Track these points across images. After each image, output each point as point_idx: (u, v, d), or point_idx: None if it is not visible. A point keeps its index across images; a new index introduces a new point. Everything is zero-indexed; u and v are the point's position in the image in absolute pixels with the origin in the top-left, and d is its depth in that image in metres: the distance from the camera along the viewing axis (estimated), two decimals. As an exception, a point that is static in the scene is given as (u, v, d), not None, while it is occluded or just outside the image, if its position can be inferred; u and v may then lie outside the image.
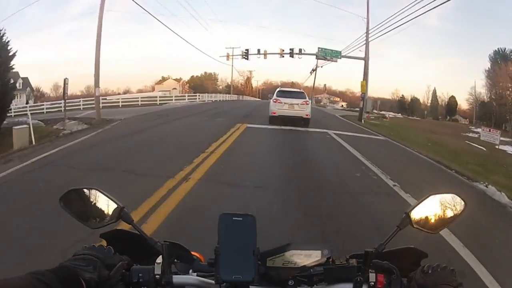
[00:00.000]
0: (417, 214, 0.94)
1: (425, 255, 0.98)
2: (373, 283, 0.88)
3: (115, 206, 0.94)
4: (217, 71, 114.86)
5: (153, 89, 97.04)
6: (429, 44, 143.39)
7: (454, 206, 0.95)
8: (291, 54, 31.65)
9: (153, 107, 29.17)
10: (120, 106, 31.22)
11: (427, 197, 0.95)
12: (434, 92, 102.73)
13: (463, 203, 0.96)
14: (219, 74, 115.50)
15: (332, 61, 29.75)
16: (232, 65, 60.41)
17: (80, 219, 0.95)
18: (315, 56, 31.15)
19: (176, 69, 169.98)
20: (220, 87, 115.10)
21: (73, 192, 0.96)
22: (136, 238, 0.94)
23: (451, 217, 0.95)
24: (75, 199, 0.96)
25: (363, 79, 26.09)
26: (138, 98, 36.74)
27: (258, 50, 34.41)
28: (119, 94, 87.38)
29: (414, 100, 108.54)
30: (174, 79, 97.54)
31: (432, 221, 0.95)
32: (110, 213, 0.95)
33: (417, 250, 0.98)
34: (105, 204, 0.95)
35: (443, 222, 0.96)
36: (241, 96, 72.36)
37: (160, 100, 35.82)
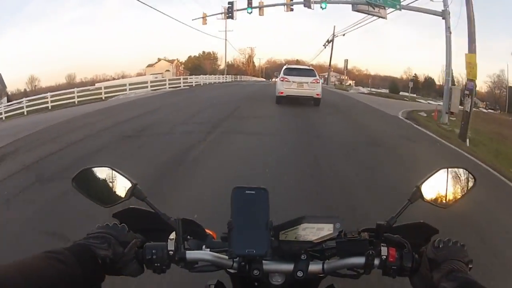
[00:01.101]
0: (427, 188, 0.90)
1: (436, 231, 0.92)
2: (385, 257, 0.84)
3: (128, 183, 0.89)
4: (216, 50, 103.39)
5: (145, 73, 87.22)
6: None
7: (464, 181, 0.92)
8: (307, 2, 19.34)
9: (89, 105, 18.38)
10: (50, 107, 20.35)
11: (438, 170, 0.91)
12: (451, 72, 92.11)
13: (473, 178, 0.92)
14: (218, 52, 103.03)
15: (379, 16, 18.02)
16: (226, 39, 48.68)
17: (93, 198, 0.91)
18: (351, 7, 18.02)
19: (173, 51, 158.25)
20: (221, 67, 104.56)
21: (85, 172, 0.91)
22: (149, 216, 0.91)
23: (461, 192, 0.92)
24: (88, 179, 0.91)
25: (469, 52, 12.20)
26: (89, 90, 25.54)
27: (249, 2, 21.76)
28: (113, 79, 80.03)
29: (428, 80, 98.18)
30: (166, 61, 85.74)
31: (443, 195, 0.92)
32: (123, 191, 0.89)
33: (427, 226, 0.92)
34: (118, 182, 0.90)
35: (453, 197, 0.92)
36: (240, 76, 60.25)
37: (130, 88, 24.73)
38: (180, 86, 28.83)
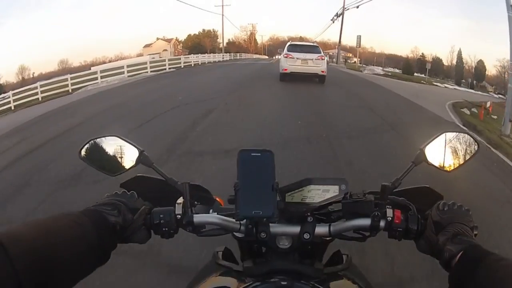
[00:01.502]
0: (431, 151, 0.89)
1: (441, 196, 0.90)
2: (390, 218, 0.83)
3: (134, 150, 0.88)
4: (217, 28, 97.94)
5: (143, 54, 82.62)
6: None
7: (467, 146, 0.91)
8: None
9: (44, 105, 14.04)
10: (13, 107, 15.59)
11: (441, 134, 0.90)
12: (460, 53, 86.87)
13: (476, 144, 0.91)
14: (218, 30, 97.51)
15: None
16: (223, 14, 43.64)
17: (101, 168, 0.91)
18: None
19: (173, 30, 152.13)
20: (221, 45, 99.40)
21: (91, 142, 0.90)
22: (156, 183, 0.91)
23: (464, 156, 0.91)
24: (94, 149, 0.90)
25: None
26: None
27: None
28: (110, 61, 76.56)
29: (436, 60, 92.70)
30: (164, 40, 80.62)
31: (446, 159, 0.91)
32: (130, 158, 0.89)
33: (432, 190, 0.92)
34: (125, 150, 0.90)
35: (456, 162, 0.91)
36: (240, 54, 55.45)
37: (106, 74, 20.19)
38: (165, 69, 24.49)
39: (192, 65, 29.82)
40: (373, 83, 18.08)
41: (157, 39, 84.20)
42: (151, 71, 22.92)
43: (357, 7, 28.05)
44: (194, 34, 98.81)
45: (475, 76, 78.61)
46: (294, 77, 13.70)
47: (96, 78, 19.53)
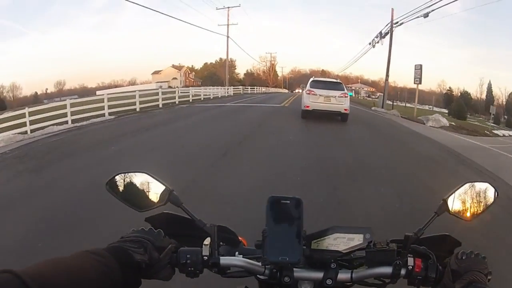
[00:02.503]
0: (453, 201, 0.91)
1: (459, 243, 0.93)
2: (411, 267, 0.85)
3: (163, 188, 0.88)
4: (235, 57, 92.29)
5: (151, 81, 76.89)
6: (485, 31, 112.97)
7: (486, 194, 0.93)
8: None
9: None
10: None
11: (463, 184, 0.92)
12: (489, 86, 78.58)
13: (495, 192, 0.93)
14: (236, 60, 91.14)
15: None
16: (228, 34, 36.34)
17: (127, 202, 0.88)
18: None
19: (188, 57, 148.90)
20: (240, 75, 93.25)
21: (120, 176, 0.90)
22: (182, 221, 0.91)
23: (484, 205, 0.92)
24: (122, 183, 0.89)
25: None
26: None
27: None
28: (120, 86, 71.23)
29: (464, 94, 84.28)
30: (174, 67, 74.35)
31: (467, 208, 0.93)
32: (159, 196, 0.88)
33: (451, 238, 0.94)
34: (154, 187, 0.88)
35: (476, 210, 0.92)
36: (253, 87, 47.64)
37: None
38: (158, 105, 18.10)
39: (191, 100, 23.04)
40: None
41: (174, 66, 79.55)
42: (140, 107, 17.14)
43: (425, 15, 19.72)
44: (211, 63, 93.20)
45: (506, 110, 69.94)
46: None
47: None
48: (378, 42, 22.93)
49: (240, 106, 19.31)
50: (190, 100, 22.80)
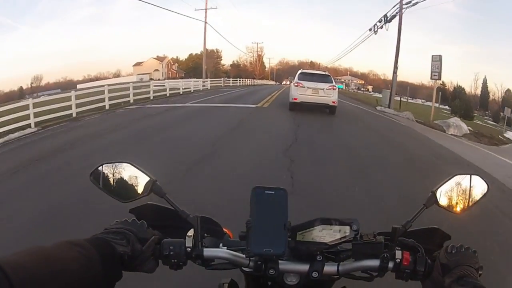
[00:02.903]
0: (442, 193, 0.89)
1: (448, 237, 0.90)
2: (399, 260, 0.82)
3: (147, 179, 0.86)
4: (221, 48, 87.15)
5: (132, 73, 71.75)
6: (481, 26, 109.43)
7: (477, 187, 0.90)
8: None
9: None
10: None
11: (452, 177, 0.90)
12: (485, 82, 75.15)
13: (486, 185, 0.91)
14: (222, 51, 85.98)
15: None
16: (206, 20, 31.73)
17: (111, 193, 0.87)
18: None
19: (175, 48, 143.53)
20: (225, 66, 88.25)
21: (103, 167, 0.88)
22: (166, 212, 0.89)
23: (474, 198, 0.90)
24: (106, 174, 0.87)
25: None
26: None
27: None
28: (106, 78, 67.30)
29: (458, 90, 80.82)
30: (156, 58, 69.09)
31: (456, 201, 0.91)
32: (142, 187, 0.86)
33: (441, 231, 0.91)
34: (137, 177, 0.87)
35: (467, 203, 0.90)
36: (238, 80, 43.02)
37: None
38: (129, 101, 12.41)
39: (168, 95, 19.46)
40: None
41: (156, 57, 74.24)
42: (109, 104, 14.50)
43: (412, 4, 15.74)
44: (196, 54, 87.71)
45: (503, 107, 66.76)
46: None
47: None
48: (381, 27, 18.48)
49: (201, 107, 14.35)
50: (151, 98, 18.19)
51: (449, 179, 0.89)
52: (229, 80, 38.30)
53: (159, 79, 60.05)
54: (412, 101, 73.20)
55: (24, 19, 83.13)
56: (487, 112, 66.08)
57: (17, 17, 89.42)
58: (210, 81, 33.39)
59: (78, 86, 52.42)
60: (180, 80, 30.93)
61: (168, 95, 20.16)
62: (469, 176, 0.90)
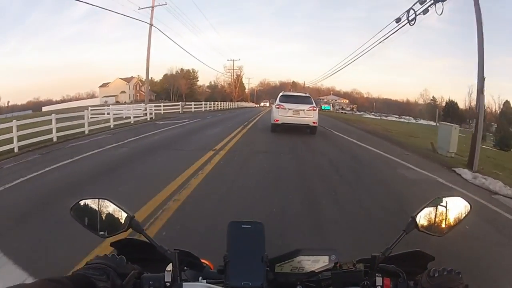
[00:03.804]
0: (423, 217, 0.88)
1: (432, 258, 0.91)
2: (379, 287, 0.81)
3: (125, 215, 0.87)
4: (198, 67, 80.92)
5: (97, 95, 64.51)
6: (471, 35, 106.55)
7: (459, 208, 0.89)
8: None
9: None
10: None
11: (433, 200, 0.89)
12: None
13: (468, 205, 0.90)
14: (199, 71, 79.37)
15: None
16: (152, 22, 24.63)
17: (91, 228, 0.88)
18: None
19: (151, 68, 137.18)
20: (201, 87, 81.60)
21: (83, 202, 0.89)
22: (146, 247, 0.90)
23: (456, 219, 0.89)
24: (85, 209, 0.89)
25: None
26: None
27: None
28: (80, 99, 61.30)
29: (450, 105, 75.91)
30: (122, 79, 61.87)
31: (438, 224, 0.88)
32: (120, 222, 0.87)
33: (423, 253, 0.91)
34: (115, 213, 0.88)
35: (448, 225, 0.89)
36: (199, 103, 35.73)
37: None
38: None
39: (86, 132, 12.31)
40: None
41: (123, 77, 66.83)
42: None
43: None
44: (171, 74, 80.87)
45: (502, 119, 61.43)
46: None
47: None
48: (415, 17, 11.57)
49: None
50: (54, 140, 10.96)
51: (429, 203, 0.87)
52: (191, 105, 30.94)
53: (125, 102, 53.16)
54: (405, 120, 67.98)
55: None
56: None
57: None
58: (164, 106, 26.27)
59: (44, 109, 49.10)
60: (123, 106, 23.93)
61: (87, 132, 13.04)
62: (449, 198, 0.88)
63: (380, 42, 15.64)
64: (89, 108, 17.68)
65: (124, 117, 18.22)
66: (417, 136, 18.49)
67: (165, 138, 11.74)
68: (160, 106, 25.73)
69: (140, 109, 20.30)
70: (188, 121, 18.31)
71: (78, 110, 16.18)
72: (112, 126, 15.37)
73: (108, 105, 25.69)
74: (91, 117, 14.40)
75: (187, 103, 31.35)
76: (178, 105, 28.18)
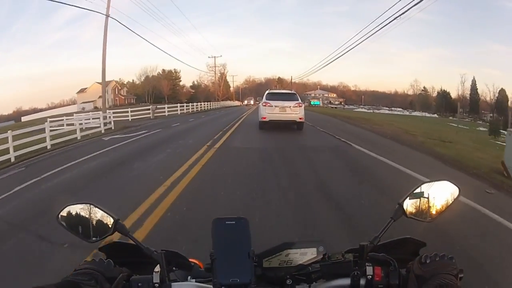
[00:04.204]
0: (410, 204, 0.87)
1: (423, 244, 0.88)
2: (370, 276, 0.80)
3: (110, 219, 0.87)
4: (180, 67, 78.25)
5: (76, 101, 61.51)
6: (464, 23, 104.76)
7: (447, 192, 0.87)
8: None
9: None
10: None
11: (419, 186, 0.87)
12: (474, 83, 68.54)
13: (456, 188, 0.88)
14: (181, 71, 76.56)
15: None
16: (108, 13, 22.16)
17: (77, 233, 0.88)
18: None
19: (130, 71, 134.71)
20: (184, 87, 78.89)
21: (68, 208, 0.88)
22: (134, 249, 0.88)
23: (445, 204, 0.87)
24: (71, 215, 0.88)
25: None
26: None
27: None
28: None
29: (442, 94, 74.38)
30: (99, 83, 58.65)
31: (426, 210, 0.87)
32: (106, 226, 0.87)
33: (414, 240, 0.89)
34: (101, 217, 0.88)
35: (437, 210, 0.87)
36: (175, 106, 32.95)
37: None
38: None
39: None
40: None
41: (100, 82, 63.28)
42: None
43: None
44: (153, 76, 77.88)
45: (496, 108, 60.06)
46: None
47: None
48: None
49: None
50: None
51: (416, 188, 0.86)
52: (164, 108, 28.09)
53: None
54: (398, 112, 65.17)
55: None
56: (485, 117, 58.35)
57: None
58: (133, 111, 23.57)
59: (23, 119, 48.63)
60: (83, 115, 21.24)
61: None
62: (437, 182, 0.87)
63: (371, 35, 15.25)
64: (48, 120, 15.51)
65: (84, 128, 15.65)
66: (447, 139, 13.86)
67: (77, 177, 7.10)
68: (127, 111, 23.02)
69: (98, 118, 17.57)
70: (147, 133, 14.94)
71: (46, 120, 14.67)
72: (49, 147, 11.93)
73: (87, 112, 23.21)
74: (51, 130, 12.31)
75: (158, 106, 28.56)
76: (148, 109, 25.38)
